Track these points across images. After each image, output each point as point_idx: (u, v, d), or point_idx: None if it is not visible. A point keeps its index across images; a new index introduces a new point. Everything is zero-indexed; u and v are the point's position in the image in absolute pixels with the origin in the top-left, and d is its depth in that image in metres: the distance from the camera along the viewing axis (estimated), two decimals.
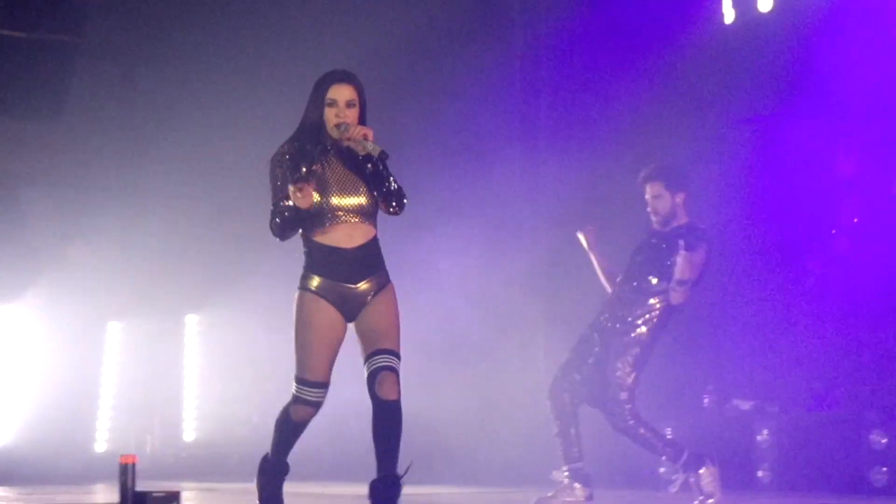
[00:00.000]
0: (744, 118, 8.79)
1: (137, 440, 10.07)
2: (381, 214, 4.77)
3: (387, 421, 4.68)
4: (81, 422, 10.43)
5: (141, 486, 5.16)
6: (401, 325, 4.80)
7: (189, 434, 10.43)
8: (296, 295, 4.71)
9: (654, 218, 6.69)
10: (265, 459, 4.98)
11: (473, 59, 10.08)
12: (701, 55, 8.83)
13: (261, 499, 4.92)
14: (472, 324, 9.65)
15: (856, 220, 8.19)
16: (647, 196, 6.63)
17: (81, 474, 9.70)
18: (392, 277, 4.99)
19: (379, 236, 4.87)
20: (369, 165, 4.60)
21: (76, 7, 9.49)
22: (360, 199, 4.66)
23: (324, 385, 4.76)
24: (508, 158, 10.17)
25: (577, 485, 6.28)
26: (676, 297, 6.11)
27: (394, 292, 4.78)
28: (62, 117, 9.53)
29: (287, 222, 4.65)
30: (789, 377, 8.39)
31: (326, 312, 4.72)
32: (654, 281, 6.33)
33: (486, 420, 9.59)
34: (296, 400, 4.76)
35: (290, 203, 4.58)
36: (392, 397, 4.63)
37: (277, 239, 4.72)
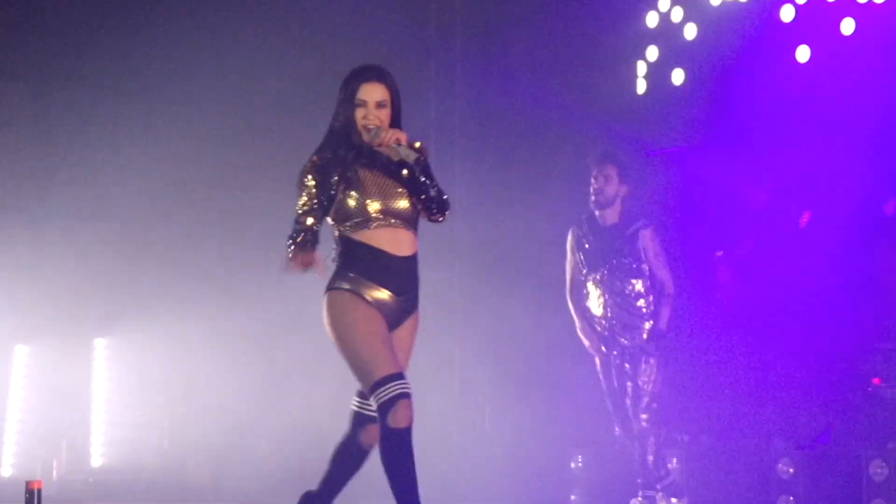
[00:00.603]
0: (655, 149, 9.01)
1: (44, 465, 9.69)
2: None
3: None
4: None
5: None
6: None
7: (97, 460, 10.18)
8: (328, 298, 4.28)
9: (594, 199, 6.82)
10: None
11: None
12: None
13: None
14: None
15: (761, 248, 8.41)
16: (595, 176, 6.70)
17: None
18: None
19: None
20: (405, 171, 4.30)
21: None
22: (402, 204, 4.32)
23: (405, 377, 4.23)
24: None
25: (673, 499, 6.51)
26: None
27: (418, 320, 4.46)
28: None
29: (303, 247, 4.22)
30: (698, 406, 8.52)
31: (375, 311, 4.27)
32: (642, 303, 6.65)
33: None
34: (391, 403, 4.09)
35: (310, 224, 4.24)
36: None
37: (284, 263, 4.30)
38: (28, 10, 9.45)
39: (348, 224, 4.28)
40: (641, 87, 8.78)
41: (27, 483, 5.48)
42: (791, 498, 7.57)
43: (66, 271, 9.67)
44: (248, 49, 9.77)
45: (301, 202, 4.26)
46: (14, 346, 9.97)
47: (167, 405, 9.98)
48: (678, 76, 8.76)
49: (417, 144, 4.35)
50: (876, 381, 8.46)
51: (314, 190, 4.23)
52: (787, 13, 8.32)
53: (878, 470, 7.45)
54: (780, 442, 8.08)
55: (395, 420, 4.08)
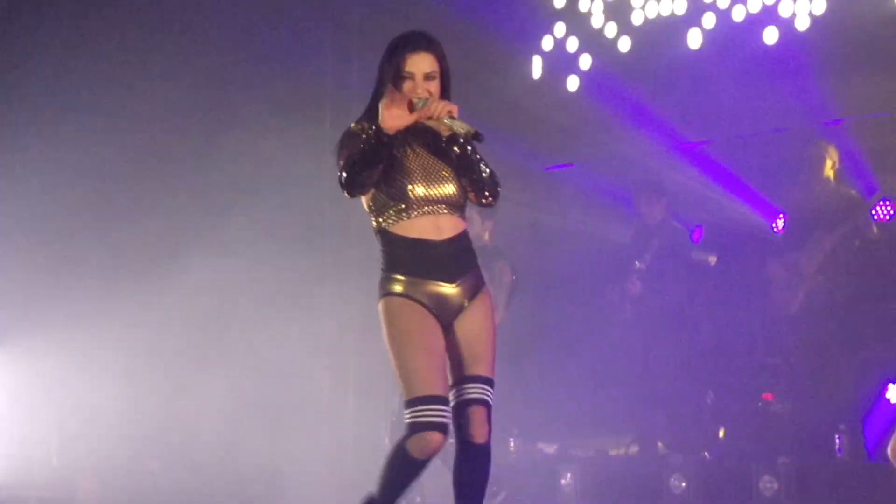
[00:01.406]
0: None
1: None
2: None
3: (474, 466, 3.95)
4: None
5: None
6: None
7: None
8: (380, 305, 3.94)
9: None
10: None
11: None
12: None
13: None
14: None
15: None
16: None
17: None
18: None
19: None
20: (455, 148, 3.89)
21: None
22: (448, 189, 3.94)
23: (446, 401, 3.87)
24: None
25: None
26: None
27: (491, 299, 4.05)
28: None
29: (364, 161, 3.80)
30: (592, 421, 8.62)
31: (423, 315, 3.91)
32: None
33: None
34: (416, 428, 3.78)
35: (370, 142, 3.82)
36: (482, 440, 3.89)
37: (346, 193, 3.90)
38: None
39: (386, 214, 3.93)
40: (536, 99, 9.00)
41: None
42: None
43: None
44: (138, 62, 9.61)
45: (351, 149, 3.87)
46: None
47: (57, 420, 9.69)
48: (573, 83, 9.12)
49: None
50: (766, 396, 8.67)
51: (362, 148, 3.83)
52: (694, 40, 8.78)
53: (768, 485, 7.59)
54: (674, 457, 8.16)
55: (412, 447, 3.79)
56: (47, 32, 9.48)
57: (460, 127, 3.83)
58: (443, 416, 3.80)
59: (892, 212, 8.48)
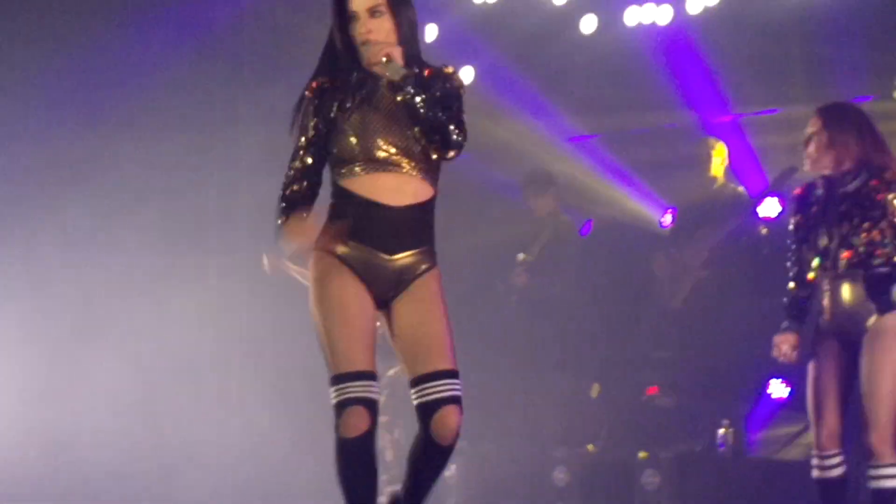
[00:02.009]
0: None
1: None
2: None
3: (437, 464, 3.78)
4: None
5: None
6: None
7: None
8: (312, 257, 3.68)
9: None
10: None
11: None
12: None
13: None
14: None
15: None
16: None
17: None
18: None
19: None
20: (397, 97, 3.54)
21: None
22: (409, 143, 3.62)
23: (369, 376, 3.60)
24: None
25: None
26: None
27: (440, 279, 3.75)
28: None
29: (295, 202, 3.64)
30: (477, 413, 8.70)
31: (353, 286, 3.64)
32: None
33: None
34: (340, 407, 3.56)
35: (309, 164, 3.65)
36: (448, 443, 3.66)
37: (276, 233, 3.69)
38: None
39: (344, 169, 3.65)
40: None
41: None
42: None
43: None
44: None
45: (298, 141, 3.67)
46: None
47: None
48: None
49: (449, 69, 3.68)
50: (651, 390, 8.80)
51: (313, 119, 3.62)
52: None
53: (650, 479, 7.74)
54: (557, 450, 8.28)
55: (343, 428, 3.54)
56: None
57: (395, 70, 3.55)
58: (367, 392, 3.57)
59: (779, 210, 8.48)
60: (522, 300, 8.59)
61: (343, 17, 3.58)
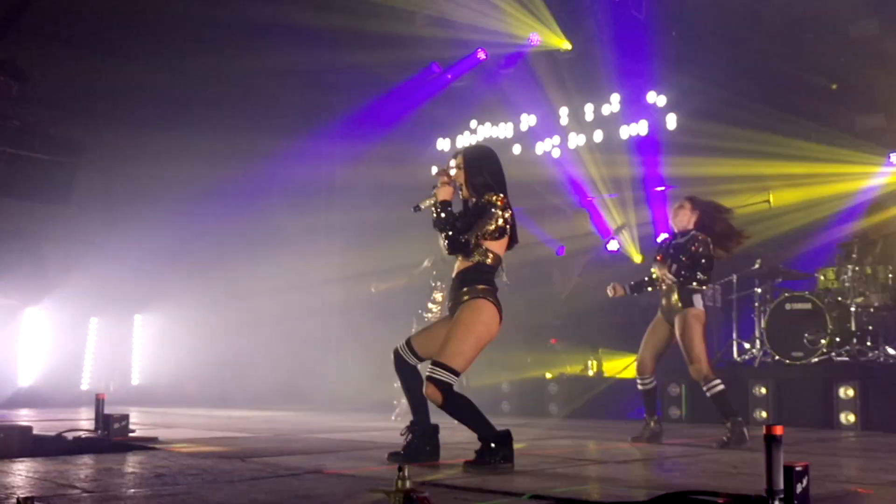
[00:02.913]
0: None
1: (104, 385, 13.46)
2: None
3: (450, 415, 5.30)
4: (74, 373, 13.88)
5: (106, 410, 6.94)
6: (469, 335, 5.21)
7: (135, 380, 14.24)
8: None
9: None
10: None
11: None
12: None
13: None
14: None
15: None
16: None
17: (73, 402, 12.87)
18: None
19: None
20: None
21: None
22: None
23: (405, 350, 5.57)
24: None
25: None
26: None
27: (462, 313, 5.31)
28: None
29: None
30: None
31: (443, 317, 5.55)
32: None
33: None
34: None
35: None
36: (432, 400, 5.25)
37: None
38: None
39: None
40: None
41: (96, 395, 7.18)
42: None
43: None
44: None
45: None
46: (90, 318, 13.86)
47: (189, 354, 13.76)
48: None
49: (490, 197, 5.30)
50: (553, 340, 12.78)
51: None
52: None
53: (552, 388, 11.07)
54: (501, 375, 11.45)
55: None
56: None
57: (424, 200, 5.28)
58: (403, 353, 5.52)
59: (617, 247, 12.24)
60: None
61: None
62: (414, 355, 5.48)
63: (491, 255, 5.31)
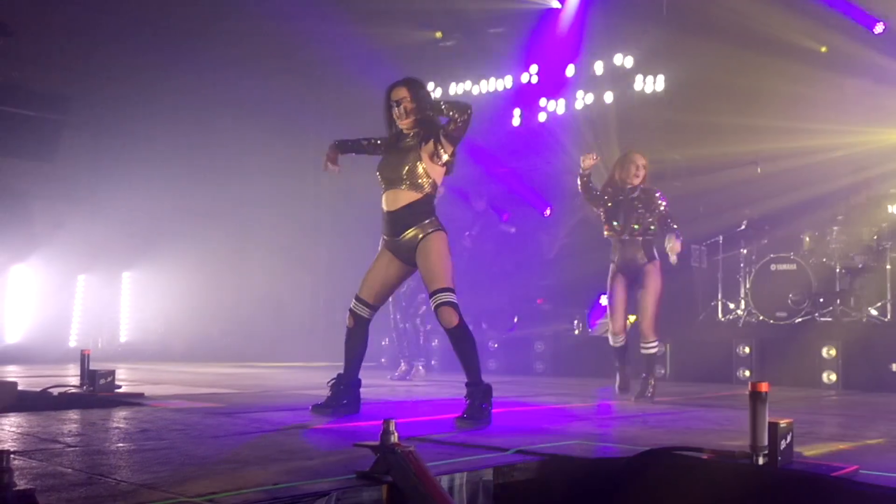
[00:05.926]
0: None
1: (92, 341, 13.47)
2: None
3: (455, 343, 5.22)
4: (62, 330, 13.87)
5: (92, 366, 7.02)
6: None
7: (123, 338, 14.35)
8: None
9: None
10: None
11: None
12: None
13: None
14: None
15: None
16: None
17: (61, 360, 12.60)
18: None
19: None
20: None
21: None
22: (401, 171, 5.34)
23: (358, 298, 5.53)
24: None
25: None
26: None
27: (439, 237, 5.37)
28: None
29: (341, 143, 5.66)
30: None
31: (384, 256, 5.54)
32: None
33: None
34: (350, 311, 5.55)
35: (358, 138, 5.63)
36: (452, 325, 5.18)
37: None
38: None
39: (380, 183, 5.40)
40: None
41: (82, 351, 7.22)
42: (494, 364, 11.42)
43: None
44: None
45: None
46: (77, 276, 13.87)
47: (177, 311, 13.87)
48: None
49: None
50: (539, 300, 12.98)
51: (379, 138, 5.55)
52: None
53: (539, 347, 11.32)
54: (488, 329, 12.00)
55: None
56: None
57: None
58: (357, 309, 5.53)
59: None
60: (472, 257, 11.62)
61: (388, 104, 5.47)
62: (367, 307, 5.56)
63: (435, 186, 5.46)
